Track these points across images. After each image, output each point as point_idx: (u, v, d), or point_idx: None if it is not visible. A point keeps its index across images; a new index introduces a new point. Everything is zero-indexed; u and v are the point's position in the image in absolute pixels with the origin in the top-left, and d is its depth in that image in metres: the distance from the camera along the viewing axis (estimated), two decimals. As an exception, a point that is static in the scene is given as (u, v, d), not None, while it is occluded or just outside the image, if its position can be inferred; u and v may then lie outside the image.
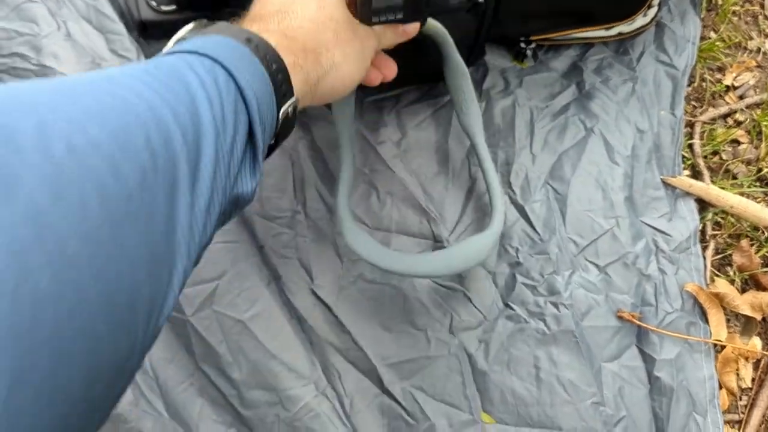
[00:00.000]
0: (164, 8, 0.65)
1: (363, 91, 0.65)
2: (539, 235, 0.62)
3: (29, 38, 0.62)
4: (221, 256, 0.56)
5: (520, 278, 0.61)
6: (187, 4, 0.65)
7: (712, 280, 0.65)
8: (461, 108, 0.59)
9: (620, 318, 0.60)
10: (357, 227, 0.54)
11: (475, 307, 0.60)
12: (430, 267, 0.54)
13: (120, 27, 0.65)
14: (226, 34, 0.36)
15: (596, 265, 0.62)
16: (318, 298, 0.60)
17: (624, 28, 0.71)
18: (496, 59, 0.72)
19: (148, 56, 0.64)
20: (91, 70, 0.61)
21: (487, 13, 0.60)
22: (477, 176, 0.65)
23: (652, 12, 0.72)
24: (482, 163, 0.59)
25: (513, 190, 0.64)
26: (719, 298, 0.62)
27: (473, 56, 0.65)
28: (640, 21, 0.71)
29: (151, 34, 0.67)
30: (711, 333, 0.61)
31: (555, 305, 0.60)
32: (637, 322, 0.60)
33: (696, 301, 0.62)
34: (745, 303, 0.63)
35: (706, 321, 0.62)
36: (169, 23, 0.66)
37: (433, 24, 0.56)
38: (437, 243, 0.62)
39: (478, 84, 0.70)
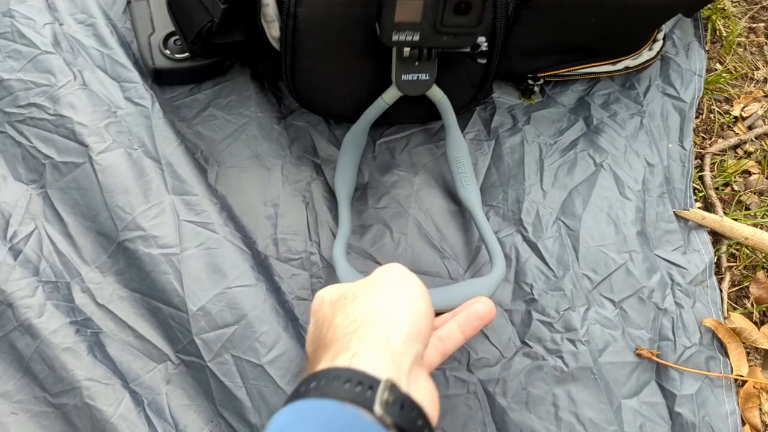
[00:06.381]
0: (177, 56, 0.67)
1: (374, 129, 0.67)
2: (553, 271, 0.63)
3: (46, 89, 0.63)
4: (239, 300, 0.57)
5: (536, 315, 0.61)
6: (200, 52, 0.66)
7: (729, 313, 0.64)
8: (461, 181, 0.63)
9: (639, 355, 0.60)
10: (352, 270, 0.57)
11: (492, 344, 0.60)
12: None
13: (134, 75, 0.66)
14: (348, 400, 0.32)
15: (611, 301, 0.62)
16: (334, 339, 0.60)
17: (630, 62, 0.72)
18: (503, 96, 0.72)
19: (162, 104, 0.66)
20: (108, 118, 0.63)
21: (495, 51, 0.62)
22: (489, 216, 0.66)
23: (657, 46, 0.73)
24: (482, 230, 0.60)
25: (525, 228, 0.65)
26: (737, 333, 0.62)
27: (482, 95, 0.66)
28: (645, 55, 0.72)
29: (164, 80, 0.69)
30: (732, 368, 0.61)
31: (572, 342, 0.59)
32: (657, 359, 0.59)
33: (715, 335, 0.62)
34: (764, 337, 0.62)
35: (726, 355, 0.62)
36: (182, 70, 0.68)
37: (438, 93, 0.61)
38: (453, 280, 0.62)
39: (486, 123, 0.70)
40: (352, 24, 0.57)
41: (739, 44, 0.81)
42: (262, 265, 0.61)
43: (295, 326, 0.59)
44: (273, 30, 0.59)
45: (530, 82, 0.70)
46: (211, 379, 0.56)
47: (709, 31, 0.81)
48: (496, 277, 0.56)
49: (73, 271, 0.60)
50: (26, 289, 0.57)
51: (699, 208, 0.69)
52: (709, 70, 0.78)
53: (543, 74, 0.70)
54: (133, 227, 0.59)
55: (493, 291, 0.56)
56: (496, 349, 0.60)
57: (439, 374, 0.59)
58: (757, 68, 0.80)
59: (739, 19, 0.83)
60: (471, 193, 0.63)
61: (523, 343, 0.60)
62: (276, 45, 0.60)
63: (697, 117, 0.75)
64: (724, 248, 0.67)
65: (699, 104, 0.75)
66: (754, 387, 0.61)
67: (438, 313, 0.48)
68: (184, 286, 0.57)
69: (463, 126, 0.70)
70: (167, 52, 0.67)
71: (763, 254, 0.67)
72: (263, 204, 0.65)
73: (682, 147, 0.71)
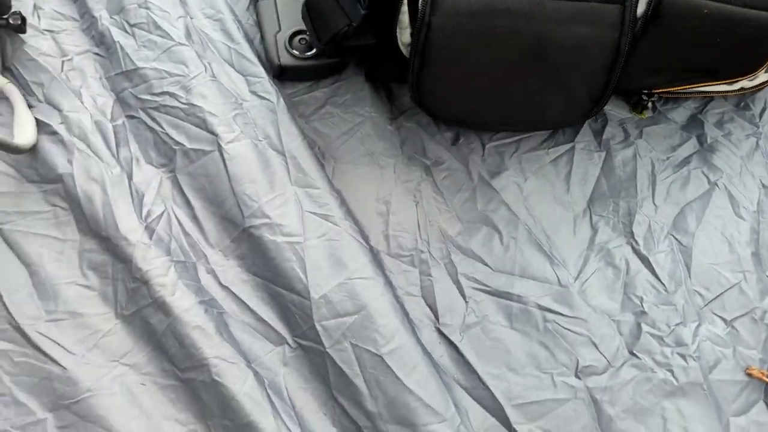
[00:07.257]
0: (302, 54, 0.70)
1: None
2: (664, 286, 0.63)
3: (179, 78, 0.67)
4: (359, 291, 0.59)
5: (645, 328, 0.62)
6: (326, 53, 0.69)
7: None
8: None
9: (749, 375, 0.60)
10: None
11: (600, 352, 0.61)
12: None
13: (260, 70, 0.69)
14: None
15: (723, 319, 0.63)
16: (444, 336, 0.62)
17: (746, 83, 0.72)
18: (614, 109, 0.73)
19: (285, 99, 0.68)
20: (235, 109, 0.66)
21: (618, 66, 0.63)
22: (598, 226, 0.67)
23: (774, 68, 0.73)
24: None
25: (636, 241, 0.66)
26: None
27: (597, 108, 0.67)
28: (762, 77, 0.72)
29: (287, 77, 0.72)
30: (842, 393, 0.61)
31: (682, 357, 0.60)
32: (767, 380, 0.60)
33: (827, 360, 0.62)
34: None
35: (837, 381, 0.61)
36: (306, 68, 0.71)
37: None
38: (562, 287, 0.64)
39: (597, 134, 0.72)
40: (482, 37, 0.59)
41: None
42: (376, 260, 0.63)
43: (409, 321, 0.61)
44: (404, 37, 0.62)
45: (644, 97, 0.71)
46: (329, 364, 0.58)
47: (823, 54, 0.80)
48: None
49: (199, 252, 0.63)
50: (161, 267, 0.60)
51: (811, 232, 0.69)
52: (823, 94, 0.77)
53: (658, 90, 0.71)
54: (259, 215, 0.62)
55: None
56: (604, 358, 0.61)
57: (547, 377, 0.60)
58: None
59: None
60: None
61: (632, 354, 0.61)
62: (405, 51, 0.63)
63: (810, 140, 0.75)
64: (836, 274, 0.67)
65: (813, 127, 0.75)
66: None
67: None
68: (308, 274, 0.60)
69: (572, 135, 0.71)
70: (295, 52, 0.70)
71: None
72: (375, 200, 0.68)
73: (797, 171, 0.71)
